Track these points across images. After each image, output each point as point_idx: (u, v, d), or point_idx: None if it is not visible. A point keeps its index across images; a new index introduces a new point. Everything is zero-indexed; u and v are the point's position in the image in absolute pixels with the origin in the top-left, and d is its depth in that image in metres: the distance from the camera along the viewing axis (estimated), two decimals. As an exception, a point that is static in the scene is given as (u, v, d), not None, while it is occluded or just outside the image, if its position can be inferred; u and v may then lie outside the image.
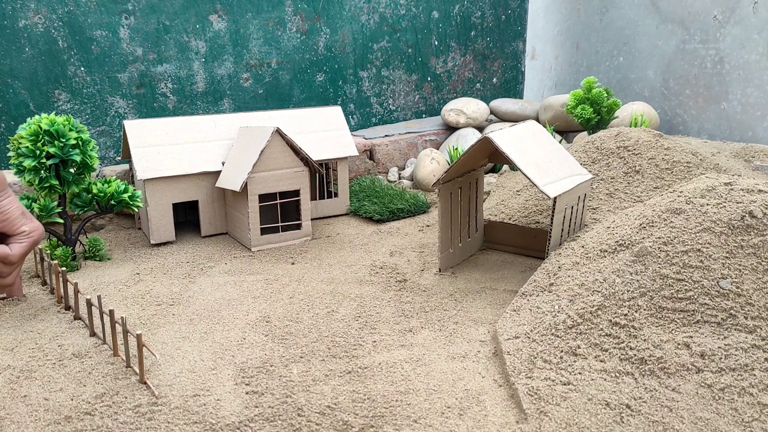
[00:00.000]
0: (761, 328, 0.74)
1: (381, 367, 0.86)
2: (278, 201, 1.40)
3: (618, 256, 0.90)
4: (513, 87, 2.65)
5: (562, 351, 0.81)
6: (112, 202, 1.28)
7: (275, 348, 0.92)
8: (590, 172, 1.37)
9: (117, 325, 0.88)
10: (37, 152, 1.18)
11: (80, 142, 1.22)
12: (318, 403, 0.77)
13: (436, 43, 2.36)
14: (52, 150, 1.18)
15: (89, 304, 0.95)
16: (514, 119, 2.18)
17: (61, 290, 1.07)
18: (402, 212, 1.62)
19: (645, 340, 0.78)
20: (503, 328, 0.91)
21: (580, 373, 0.77)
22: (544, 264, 1.04)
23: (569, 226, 1.15)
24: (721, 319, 0.77)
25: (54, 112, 1.44)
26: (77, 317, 1.02)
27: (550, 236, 1.09)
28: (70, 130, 1.22)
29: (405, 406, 0.77)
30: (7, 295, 1.08)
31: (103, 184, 1.29)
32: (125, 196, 1.29)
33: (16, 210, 0.93)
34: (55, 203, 1.26)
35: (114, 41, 1.72)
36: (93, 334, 0.96)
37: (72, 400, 0.78)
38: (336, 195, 1.67)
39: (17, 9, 1.58)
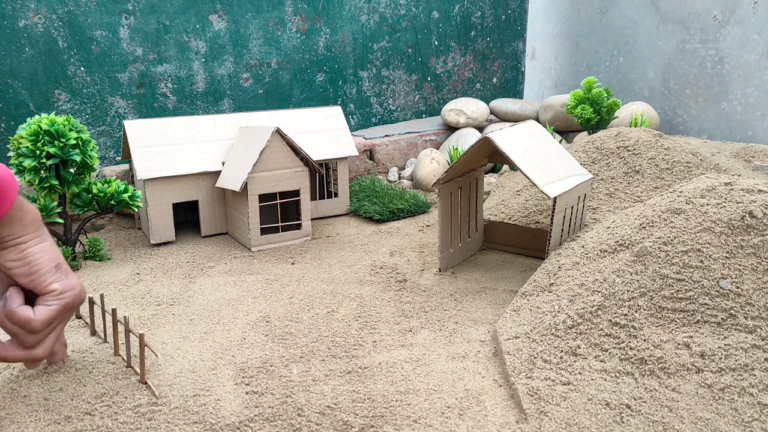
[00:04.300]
0: (761, 328, 0.74)
1: (381, 367, 0.86)
2: (278, 201, 1.40)
3: (618, 256, 0.90)
4: (513, 87, 2.65)
5: (562, 351, 0.81)
6: (112, 202, 1.28)
7: (275, 348, 0.92)
8: (590, 172, 1.37)
9: (119, 324, 0.88)
10: (37, 152, 1.18)
11: (80, 142, 1.22)
12: (318, 403, 0.77)
13: (436, 43, 2.36)
14: (52, 150, 1.18)
15: (91, 302, 0.95)
16: (514, 119, 2.18)
17: (61, 290, 1.07)
18: (402, 212, 1.62)
19: (645, 340, 0.78)
20: (503, 328, 0.91)
21: (580, 373, 0.77)
22: (544, 264, 1.04)
23: (569, 226, 1.15)
24: (721, 319, 0.77)
25: (54, 112, 1.44)
26: (78, 316, 1.02)
27: (550, 236, 1.09)
28: (70, 130, 1.22)
29: (405, 406, 0.77)
30: (49, 362, 0.85)
31: (103, 184, 1.29)
32: (125, 196, 1.29)
33: (48, 262, 0.71)
34: (55, 203, 1.26)
35: (114, 41, 1.72)
36: (93, 333, 0.96)
37: (72, 400, 0.78)
38: (336, 195, 1.67)
39: (17, 9, 1.58)
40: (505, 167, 1.80)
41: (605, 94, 1.71)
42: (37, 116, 1.21)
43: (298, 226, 1.45)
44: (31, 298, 0.73)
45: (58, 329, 0.75)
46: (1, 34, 1.58)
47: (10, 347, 0.73)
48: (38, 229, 0.71)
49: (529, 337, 0.86)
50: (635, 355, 0.77)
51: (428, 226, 1.54)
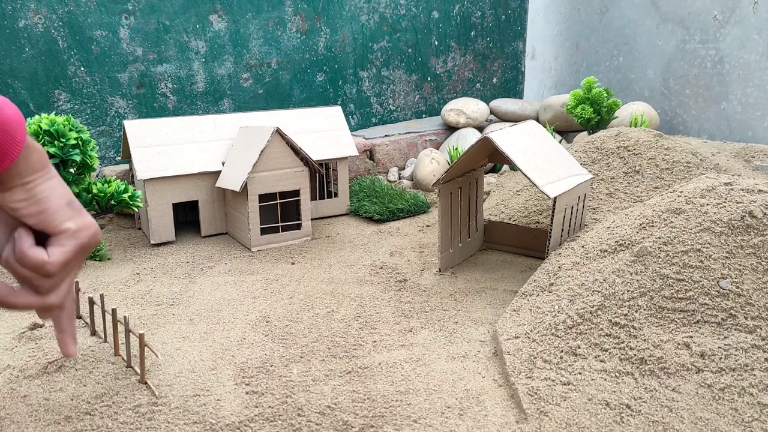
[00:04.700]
0: (761, 328, 0.74)
1: (381, 367, 0.86)
2: (278, 201, 1.40)
3: (618, 256, 0.90)
4: (513, 87, 2.65)
5: (562, 351, 0.81)
6: (112, 202, 1.28)
7: (275, 348, 0.92)
8: (590, 172, 1.37)
9: (119, 324, 0.89)
10: (37, 152, 1.18)
11: (80, 142, 1.23)
12: (318, 403, 0.77)
13: (436, 43, 2.36)
14: (52, 150, 1.18)
15: (91, 302, 0.95)
16: (514, 119, 2.18)
17: (61, 290, 1.07)
18: (402, 212, 1.62)
19: (645, 340, 0.78)
20: (503, 328, 0.91)
21: (580, 373, 0.77)
22: (544, 264, 1.04)
23: (569, 226, 1.15)
24: (721, 319, 0.77)
25: (54, 112, 1.44)
26: (78, 316, 1.02)
27: (550, 236, 1.09)
28: (70, 130, 1.22)
29: (405, 406, 0.77)
30: (62, 350, 0.71)
31: (103, 184, 1.29)
32: (125, 196, 1.29)
33: (58, 199, 0.65)
34: (55, 203, 1.26)
35: (114, 41, 1.72)
36: (94, 333, 0.96)
37: (72, 400, 0.78)
38: (336, 195, 1.67)
39: (17, 9, 1.58)
40: (505, 167, 1.80)
41: (605, 94, 1.71)
42: (37, 116, 1.21)
43: (298, 226, 1.45)
44: (41, 240, 0.66)
45: (72, 275, 0.68)
46: (1, 34, 1.58)
47: (21, 293, 0.66)
48: (45, 165, 0.64)
49: (529, 337, 0.86)
50: (635, 355, 0.77)
51: (428, 226, 1.54)
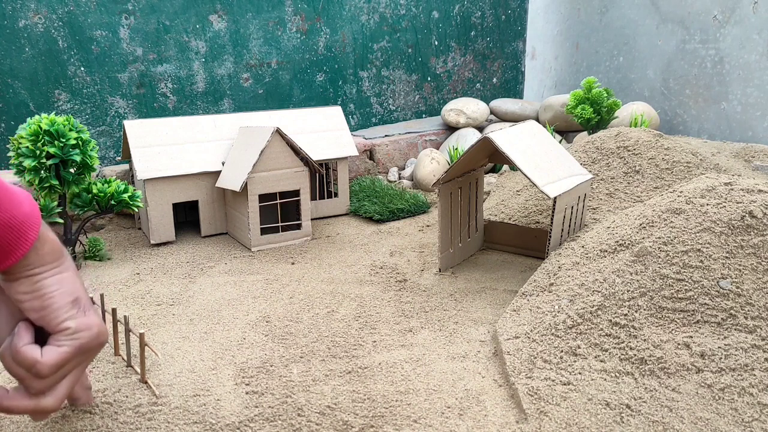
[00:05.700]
0: (761, 328, 0.74)
1: (381, 367, 0.86)
2: (278, 201, 1.40)
3: (618, 256, 0.90)
4: (513, 87, 2.65)
5: (562, 351, 0.81)
6: (112, 202, 1.28)
7: (275, 348, 0.92)
8: (590, 172, 1.37)
9: (119, 324, 0.89)
10: (37, 152, 1.18)
11: (80, 142, 1.22)
12: (318, 403, 0.77)
13: (436, 43, 2.36)
14: (52, 150, 1.18)
15: (91, 302, 0.95)
16: (514, 119, 2.18)
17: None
18: (402, 212, 1.62)
19: (645, 340, 0.78)
20: (503, 328, 0.91)
21: (580, 373, 0.77)
22: (544, 264, 1.04)
23: (569, 226, 1.15)
24: (721, 319, 0.77)
25: (54, 112, 1.44)
26: (77, 317, 1.02)
27: (550, 236, 1.09)
28: (70, 130, 1.22)
29: (405, 406, 0.77)
30: (69, 403, 0.74)
31: (103, 184, 1.29)
32: (125, 196, 1.29)
33: (63, 296, 0.61)
34: (55, 203, 1.26)
35: (114, 41, 1.72)
36: (93, 334, 0.96)
37: (72, 400, 0.78)
38: (336, 195, 1.67)
39: (17, 9, 1.58)
40: (505, 167, 1.80)
41: (605, 94, 1.71)
42: (37, 116, 1.21)
43: (298, 226, 1.45)
44: (46, 337, 0.63)
45: (74, 375, 0.63)
46: (1, 34, 1.58)
47: (15, 396, 0.61)
48: (56, 259, 0.62)
49: (529, 337, 0.86)
50: (635, 355, 0.77)
51: (428, 226, 1.54)
